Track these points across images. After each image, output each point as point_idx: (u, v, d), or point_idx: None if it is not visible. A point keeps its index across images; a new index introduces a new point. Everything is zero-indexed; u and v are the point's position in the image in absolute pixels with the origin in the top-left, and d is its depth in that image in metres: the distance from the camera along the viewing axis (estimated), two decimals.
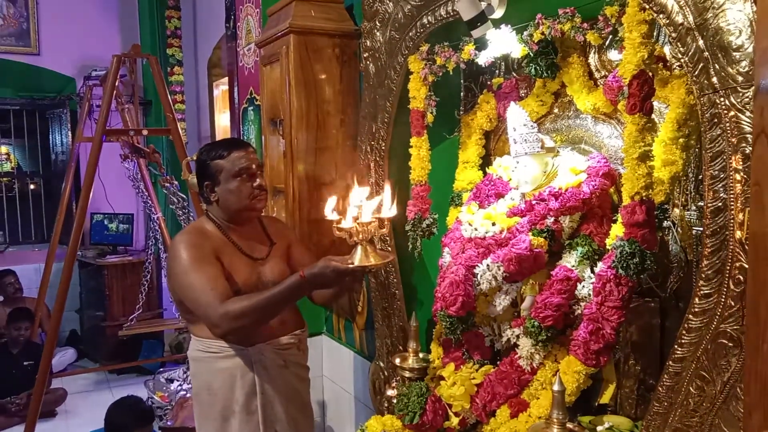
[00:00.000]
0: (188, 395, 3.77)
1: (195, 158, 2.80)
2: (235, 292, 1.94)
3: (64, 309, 3.77)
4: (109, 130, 3.83)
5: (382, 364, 2.49)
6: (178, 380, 4.17)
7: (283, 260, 2.12)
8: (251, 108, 3.54)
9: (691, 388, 1.30)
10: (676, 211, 1.57)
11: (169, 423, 3.60)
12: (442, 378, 1.88)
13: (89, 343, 5.81)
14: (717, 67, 1.21)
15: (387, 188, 1.74)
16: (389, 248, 2.29)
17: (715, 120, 1.23)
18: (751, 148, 1.14)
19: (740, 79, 1.17)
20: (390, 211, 1.68)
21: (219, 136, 4.80)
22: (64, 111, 5.85)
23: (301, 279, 1.77)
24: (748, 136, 1.16)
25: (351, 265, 1.66)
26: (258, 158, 2.02)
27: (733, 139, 1.19)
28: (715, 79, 1.21)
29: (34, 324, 5.11)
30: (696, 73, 1.25)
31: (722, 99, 1.21)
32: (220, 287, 1.86)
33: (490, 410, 1.74)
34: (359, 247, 1.66)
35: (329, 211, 1.69)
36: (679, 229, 1.57)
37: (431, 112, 2.09)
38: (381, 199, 1.69)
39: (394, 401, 1.81)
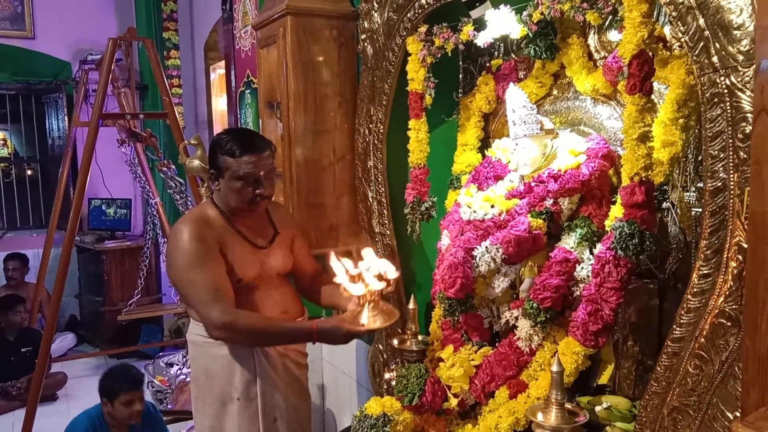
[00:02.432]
0: (188, 379, 3.78)
1: (193, 142, 2.79)
2: (237, 281, 1.94)
3: (63, 294, 3.77)
4: (105, 114, 3.80)
5: (381, 347, 2.50)
6: (177, 364, 4.19)
7: (286, 250, 2.10)
8: (248, 91, 3.52)
9: (689, 368, 1.31)
10: (676, 192, 1.57)
11: (169, 406, 3.63)
12: (441, 360, 1.89)
13: (89, 328, 5.82)
14: (717, 46, 1.20)
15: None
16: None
17: (716, 99, 1.22)
18: (750, 127, 1.14)
19: (741, 58, 1.16)
20: (395, 273, 1.74)
21: (216, 120, 4.78)
22: (60, 95, 5.82)
23: (312, 330, 1.82)
24: (748, 115, 1.15)
25: (363, 329, 1.74)
26: (271, 162, 1.95)
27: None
28: (715, 59, 1.21)
29: (33, 309, 5.13)
30: (696, 52, 1.24)
31: (722, 78, 1.20)
32: (223, 290, 1.86)
33: (488, 391, 1.75)
34: (367, 307, 1.74)
35: (341, 275, 1.73)
36: (678, 210, 1.57)
37: (430, 94, 2.07)
38: (385, 262, 1.75)
39: (393, 383, 1.81)
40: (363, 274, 1.70)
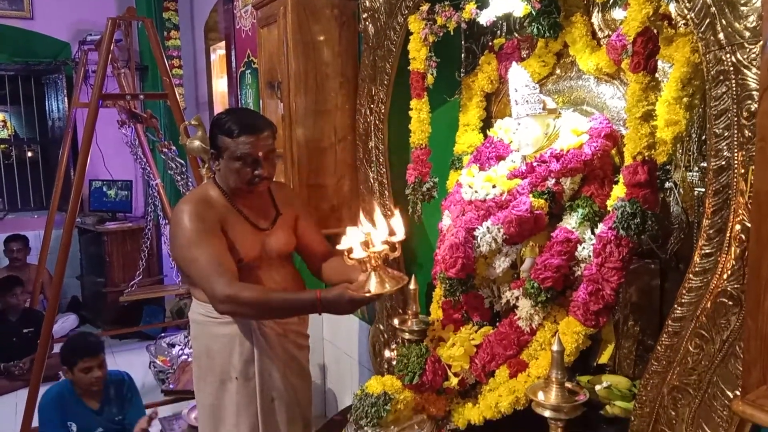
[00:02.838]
0: (189, 359, 3.80)
1: (193, 123, 2.77)
2: (238, 261, 1.93)
3: (65, 275, 3.78)
4: (105, 94, 3.78)
5: (382, 327, 2.51)
6: (179, 345, 4.21)
7: (289, 231, 2.09)
8: (249, 71, 3.50)
9: (690, 347, 1.31)
10: (678, 172, 1.56)
11: (171, 386, 3.64)
12: (441, 339, 1.89)
13: (91, 309, 5.85)
14: (724, 22, 1.19)
15: (397, 213, 1.73)
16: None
17: (721, 77, 1.21)
18: (756, 105, 1.13)
19: (747, 34, 1.15)
20: (401, 234, 1.67)
21: (217, 101, 4.76)
22: (59, 76, 5.79)
23: (315, 299, 1.75)
24: (753, 92, 1.14)
25: (367, 294, 1.66)
26: (271, 143, 1.93)
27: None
28: (721, 35, 1.19)
29: (35, 290, 5.14)
30: (702, 29, 1.23)
31: (728, 55, 1.18)
32: (226, 264, 1.85)
33: (489, 370, 1.76)
34: (373, 274, 1.65)
35: (345, 240, 1.65)
36: (680, 190, 1.57)
37: (431, 74, 2.05)
38: (391, 224, 1.67)
39: (394, 362, 1.82)
40: (368, 238, 1.63)
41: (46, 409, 2.91)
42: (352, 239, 1.64)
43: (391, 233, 1.67)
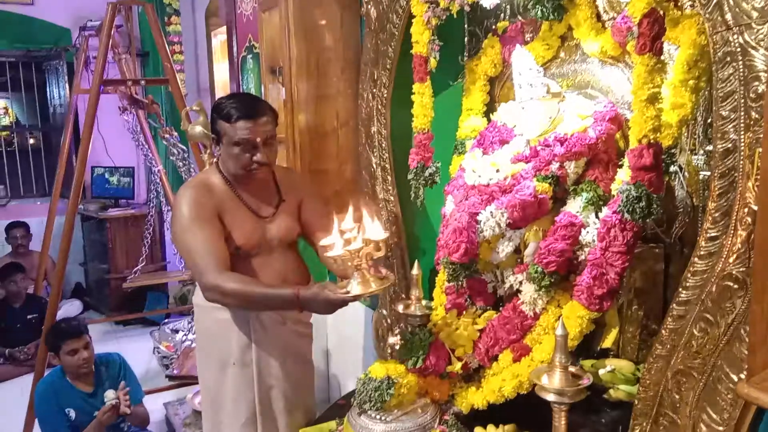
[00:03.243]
0: (193, 345, 3.82)
1: (195, 108, 2.76)
2: (236, 248, 1.93)
3: (68, 262, 3.79)
4: (106, 80, 3.77)
5: (385, 312, 2.51)
6: (182, 331, 4.23)
7: (292, 217, 2.07)
8: (250, 56, 3.47)
9: (694, 331, 1.31)
10: (683, 155, 1.55)
11: (175, 372, 3.67)
12: (445, 324, 1.89)
13: (94, 295, 5.87)
14: (731, 2, 1.17)
15: (365, 214, 1.68)
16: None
17: (728, 59, 1.19)
18: (763, 87, 1.12)
19: (755, 14, 1.13)
20: (380, 233, 1.62)
21: (218, 87, 4.74)
22: (60, 63, 5.77)
23: (294, 296, 1.73)
24: (761, 74, 1.13)
25: (346, 296, 1.63)
26: (270, 129, 1.92)
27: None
28: (728, 16, 1.17)
29: (38, 277, 5.16)
30: (709, 9, 1.21)
31: (735, 36, 1.17)
32: (217, 252, 1.85)
33: (492, 355, 1.76)
34: (356, 274, 1.62)
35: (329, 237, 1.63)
36: (685, 173, 1.56)
37: (434, 57, 2.03)
38: (370, 222, 1.63)
39: (397, 347, 1.82)
40: (348, 235, 1.60)
41: (42, 400, 2.93)
42: (334, 235, 1.61)
43: (374, 233, 1.63)
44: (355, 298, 1.66)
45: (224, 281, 1.81)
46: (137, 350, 4.32)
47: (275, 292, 1.83)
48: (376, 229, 1.63)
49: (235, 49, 3.74)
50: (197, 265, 1.85)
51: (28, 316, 4.65)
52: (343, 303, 1.69)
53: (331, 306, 1.71)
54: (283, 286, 1.85)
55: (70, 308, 5.50)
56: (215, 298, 1.86)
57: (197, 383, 3.12)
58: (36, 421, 3.12)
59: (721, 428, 1.28)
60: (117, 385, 3.03)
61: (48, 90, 5.99)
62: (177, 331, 4.24)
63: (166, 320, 4.80)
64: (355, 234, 1.61)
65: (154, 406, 3.45)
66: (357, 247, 1.59)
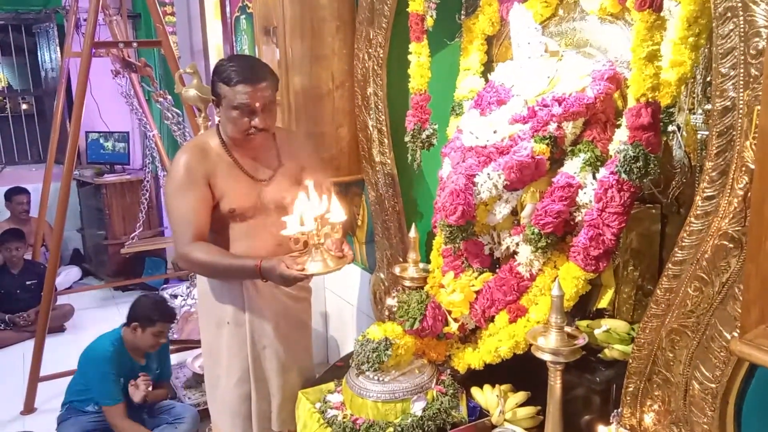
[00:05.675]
0: (192, 309, 3.85)
1: (188, 71, 2.72)
2: (230, 211, 1.95)
3: (66, 228, 3.79)
4: (97, 43, 3.70)
5: (382, 275, 2.52)
6: (181, 296, 4.25)
7: (290, 182, 2.05)
8: (243, 17, 3.42)
9: (689, 290, 1.31)
10: (682, 115, 1.54)
11: (175, 336, 3.70)
12: (441, 286, 1.90)
13: (93, 261, 5.89)
14: None
15: (332, 191, 1.73)
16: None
17: (728, 14, 1.17)
18: (764, 43, 1.10)
19: None
20: (341, 215, 1.68)
21: (212, 49, 4.66)
22: (50, 26, 5.67)
23: (255, 267, 1.80)
24: (761, 30, 1.11)
25: (301, 273, 1.71)
26: (270, 94, 1.90)
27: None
28: None
29: (36, 243, 5.16)
30: None
31: None
32: (196, 221, 1.90)
33: (488, 316, 1.77)
34: (313, 251, 1.70)
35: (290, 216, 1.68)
36: (683, 133, 1.54)
37: (431, 16, 1.99)
38: (327, 205, 1.68)
39: (395, 309, 1.83)
40: (304, 216, 1.66)
41: (103, 364, 2.88)
42: (292, 216, 1.67)
43: (333, 213, 1.68)
44: (310, 275, 1.74)
45: (192, 251, 1.88)
46: None
47: (239, 263, 1.89)
48: (337, 211, 1.68)
49: (228, 9, 3.68)
50: (175, 233, 1.94)
51: (27, 282, 4.67)
52: (296, 279, 1.76)
53: (287, 281, 1.78)
54: (248, 257, 1.89)
55: (69, 275, 5.51)
56: (184, 266, 1.98)
57: (197, 347, 3.16)
58: (71, 379, 3.09)
59: (713, 385, 1.30)
60: (161, 359, 3.14)
61: (39, 53, 5.90)
62: (176, 297, 4.25)
63: (164, 285, 4.82)
64: (318, 213, 1.67)
65: None
66: (309, 229, 1.65)
